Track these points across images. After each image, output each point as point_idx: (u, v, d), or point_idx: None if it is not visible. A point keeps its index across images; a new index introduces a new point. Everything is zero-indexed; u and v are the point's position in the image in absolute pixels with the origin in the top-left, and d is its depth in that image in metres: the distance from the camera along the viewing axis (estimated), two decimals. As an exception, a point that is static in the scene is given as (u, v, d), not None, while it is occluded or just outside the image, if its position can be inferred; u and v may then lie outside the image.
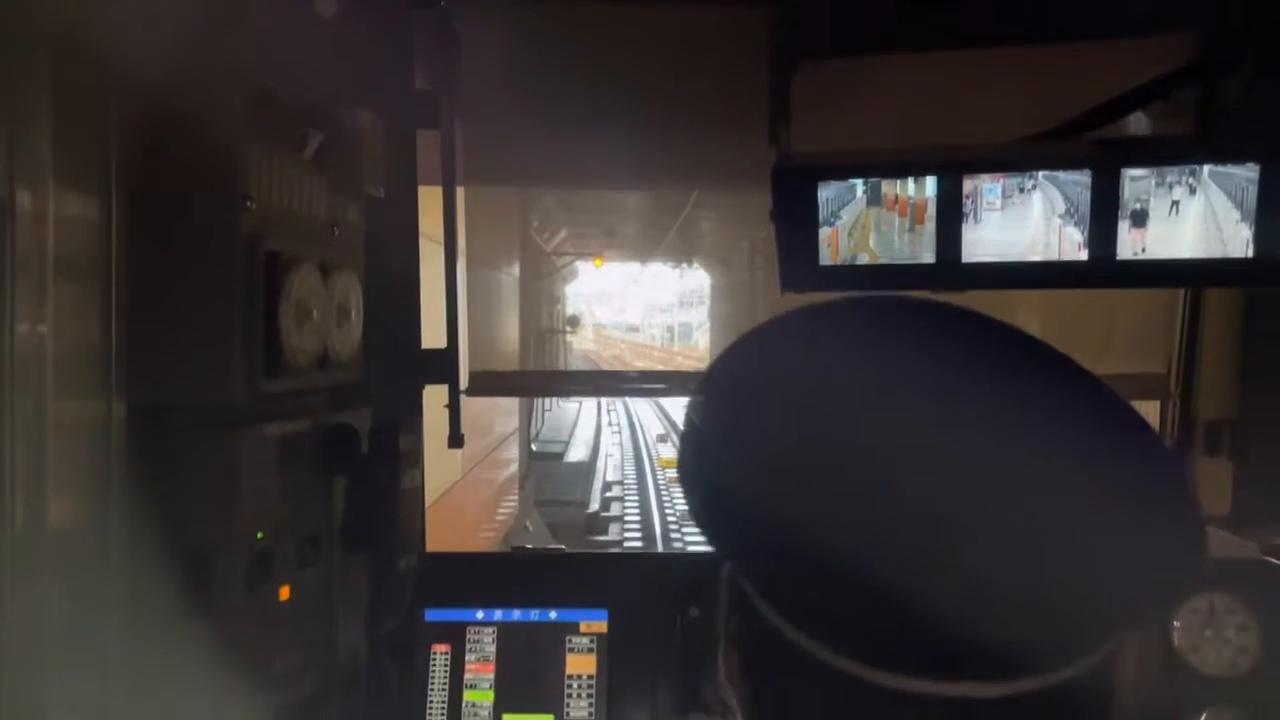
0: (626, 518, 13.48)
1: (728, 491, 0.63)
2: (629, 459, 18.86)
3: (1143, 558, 0.57)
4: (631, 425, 23.36)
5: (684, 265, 21.31)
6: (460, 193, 1.93)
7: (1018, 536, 0.55)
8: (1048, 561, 0.54)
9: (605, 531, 12.77)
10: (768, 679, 0.65)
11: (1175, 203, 1.45)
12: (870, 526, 0.56)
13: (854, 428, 0.60)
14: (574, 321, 23.33)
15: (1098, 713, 0.60)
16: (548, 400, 21.20)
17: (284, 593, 1.42)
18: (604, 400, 27.89)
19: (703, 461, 0.66)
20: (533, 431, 17.81)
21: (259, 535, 1.36)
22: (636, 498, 14.77)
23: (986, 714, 0.56)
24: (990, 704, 0.56)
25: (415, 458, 1.64)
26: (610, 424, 24.72)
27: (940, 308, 0.71)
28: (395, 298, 1.83)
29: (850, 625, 0.57)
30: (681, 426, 0.72)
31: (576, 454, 18.59)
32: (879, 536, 0.55)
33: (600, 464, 18.01)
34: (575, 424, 23.14)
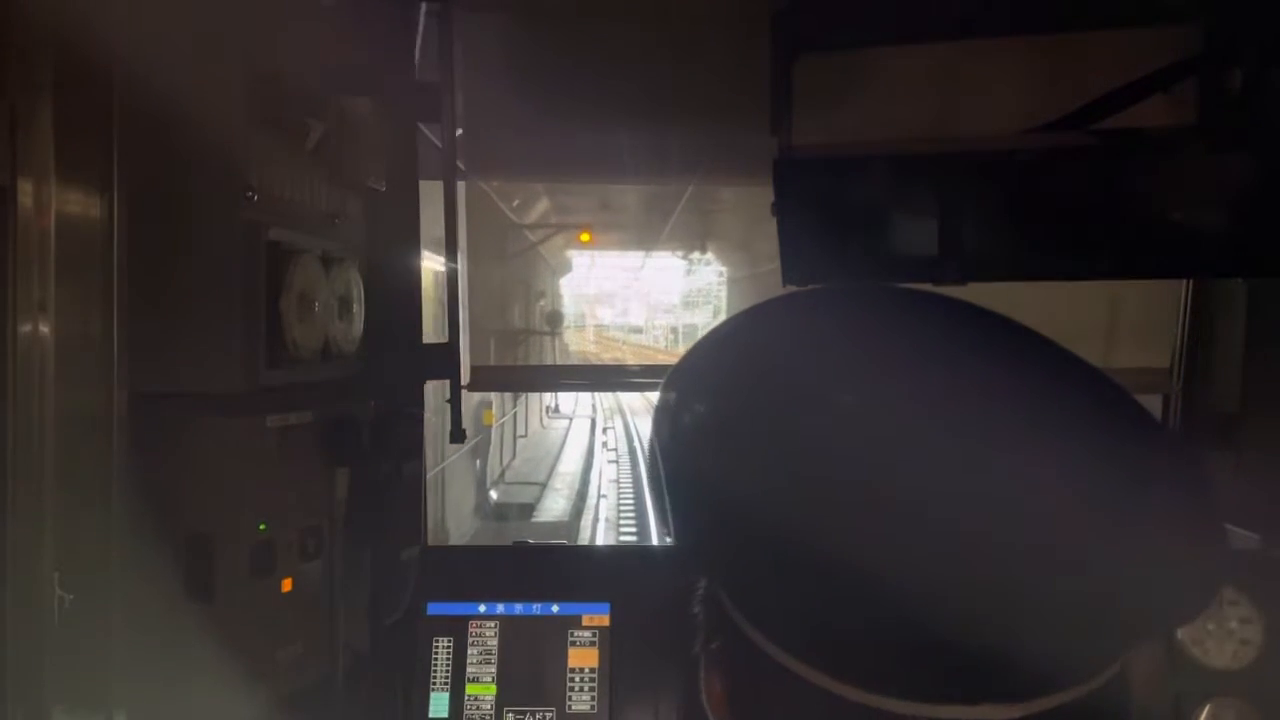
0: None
1: (710, 497, 0.58)
2: (627, 492, 14.44)
3: (1162, 568, 0.53)
4: (632, 450, 18.36)
5: (694, 256, 17.91)
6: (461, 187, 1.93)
7: (1036, 549, 0.50)
8: (1068, 575, 0.50)
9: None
10: (760, 710, 0.59)
11: (1176, 194, 1.45)
12: (874, 539, 0.51)
13: (856, 429, 0.54)
14: (554, 320, 18.59)
15: None
16: (521, 424, 17.43)
17: (286, 584, 1.43)
18: (598, 416, 24.35)
19: (682, 464, 0.60)
20: (499, 468, 13.53)
21: (261, 526, 1.36)
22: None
23: None
24: None
25: (417, 451, 1.64)
26: (606, 446, 19.80)
27: (931, 298, 0.65)
28: (396, 292, 1.83)
29: (854, 649, 0.53)
30: (653, 419, 0.65)
31: (554, 503, 13.98)
32: (885, 550, 0.50)
33: (587, 518, 13.36)
34: (560, 452, 18.79)
